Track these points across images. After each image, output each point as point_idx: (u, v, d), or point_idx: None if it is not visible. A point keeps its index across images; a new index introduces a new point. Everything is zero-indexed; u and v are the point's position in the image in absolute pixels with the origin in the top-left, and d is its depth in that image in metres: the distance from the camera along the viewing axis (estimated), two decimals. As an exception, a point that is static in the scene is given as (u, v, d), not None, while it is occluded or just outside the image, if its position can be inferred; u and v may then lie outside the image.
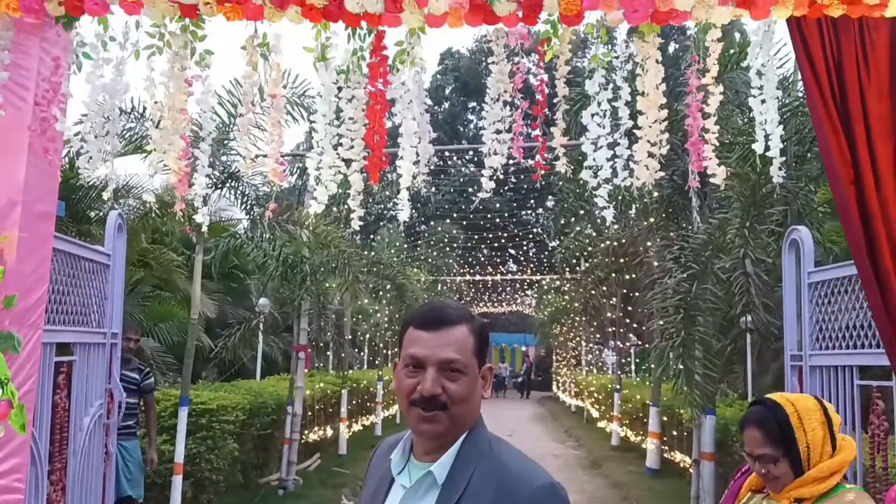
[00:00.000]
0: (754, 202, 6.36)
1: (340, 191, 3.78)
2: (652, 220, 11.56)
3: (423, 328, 1.71)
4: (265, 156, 3.64)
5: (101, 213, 9.24)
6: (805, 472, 2.42)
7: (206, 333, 12.55)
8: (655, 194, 10.91)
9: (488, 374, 1.77)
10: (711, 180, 3.18)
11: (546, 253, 27.65)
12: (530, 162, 3.86)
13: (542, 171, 3.74)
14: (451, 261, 26.52)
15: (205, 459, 7.21)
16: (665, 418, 11.90)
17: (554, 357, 33.43)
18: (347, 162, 3.49)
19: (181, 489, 6.78)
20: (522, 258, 30.51)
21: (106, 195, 4.32)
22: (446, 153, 31.07)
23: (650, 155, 3.32)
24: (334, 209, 9.80)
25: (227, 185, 8.30)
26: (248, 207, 8.72)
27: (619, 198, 11.93)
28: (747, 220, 6.38)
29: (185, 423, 6.86)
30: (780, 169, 3.27)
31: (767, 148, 3.21)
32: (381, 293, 15.05)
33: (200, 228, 4.56)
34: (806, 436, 2.43)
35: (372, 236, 21.39)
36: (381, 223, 25.37)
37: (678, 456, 11.24)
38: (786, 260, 4.98)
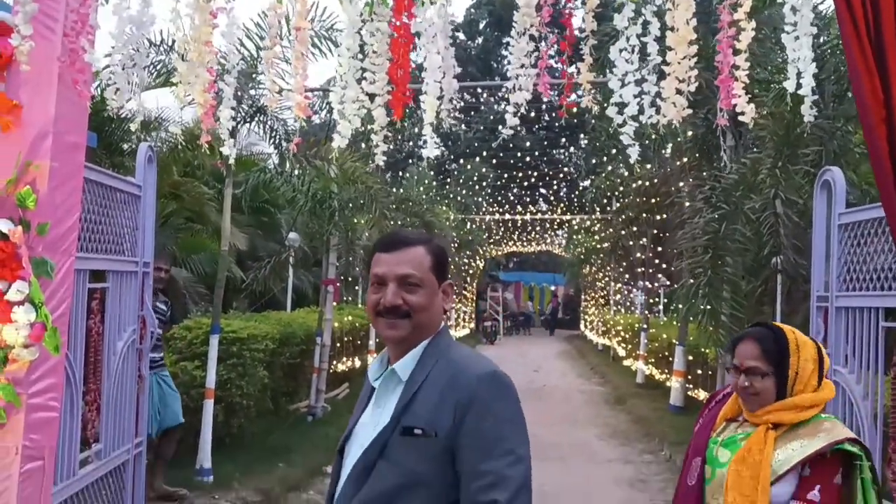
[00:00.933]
0: (788, 142, 6.23)
1: (367, 126, 3.78)
2: (685, 159, 11.41)
3: (384, 250, 1.96)
4: (290, 90, 3.64)
5: (133, 146, 9.34)
6: (787, 398, 2.48)
7: (238, 266, 12.77)
8: (689, 133, 10.75)
9: (449, 289, 2.00)
10: (740, 118, 3.12)
11: (577, 192, 27.46)
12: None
13: (569, 108, 3.70)
14: (480, 199, 26.43)
15: (235, 385, 7.43)
16: (690, 357, 11.95)
17: (582, 296, 33.49)
18: (371, 96, 3.48)
19: (213, 413, 7.02)
20: (553, 197, 30.33)
21: (133, 127, 4.37)
22: (478, 90, 30.66)
23: (678, 92, 3.25)
24: (363, 145, 9.79)
25: (256, 119, 8.31)
26: (277, 142, 8.75)
27: (652, 137, 11.77)
28: (780, 161, 6.26)
29: (216, 351, 7.05)
30: (812, 108, 3.20)
31: (799, 86, 3.14)
32: (409, 230, 15.13)
33: (228, 161, 4.58)
34: (798, 363, 2.50)
35: (401, 174, 21.36)
36: (411, 161, 25.28)
37: (702, 394, 11.32)
38: (817, 201, 4.91)
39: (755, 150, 7.32)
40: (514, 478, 1.73)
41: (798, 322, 10.44)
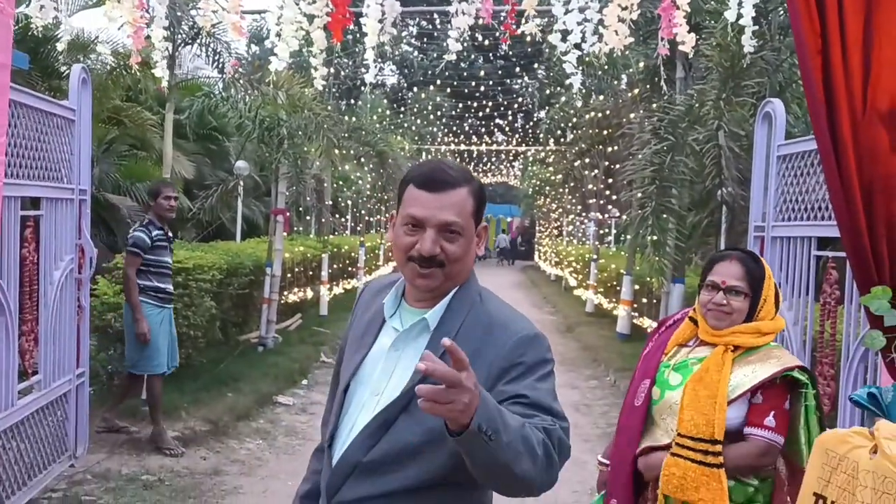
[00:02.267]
0: (732, 74, 6.25)
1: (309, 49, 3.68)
2: (636, 91, 11.41)
3: (425, 188, 1.73)
4: (226, 10, 3.52)
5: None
6: (752, 322, 2.58)
7: (185, 195, 12.52)
8: (641, 65, 10.72)
9: (483, 232, 1.82)
10: (681, 48, 3.13)
11: (532, 123, 27.37)
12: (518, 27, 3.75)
13: (512, 35, 3.66)
14: (436, 129, 26.20)
15: (182, 316, 7.37)
16: (637, 287, 12.21)
17: (537, 228, 33.76)
18: (310, 18, 3.38)
19: (159, 344, 6.96)
20: (509, 129, 30.19)
21: (60, 47, 4.19)
22: (434, 15, 30.01)
23: (621, 20, 3.24)
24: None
25: (198, 41, 8.03)
26: (221, 66, 8.49)
27: (605, 68, 11.71)
28: (724, 93, 6.30)
29: (161, 282, 6.95)
30: (753, 39, 3.21)
31: (740, 16, 3.14)
32: (363, 160, 14.95)
33: (162, 84, 4.43)
34: (768, 291, 2.62)
35: (355, 101, 20.99)
36: (364, 88, 24.84)
37: (647, 322, 11.62)
38: (758, 132, 4.95)
39: (702, 82, 7.34)
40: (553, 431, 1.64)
41: (741, 253, 10.69)
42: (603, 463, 2.87)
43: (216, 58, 8.30)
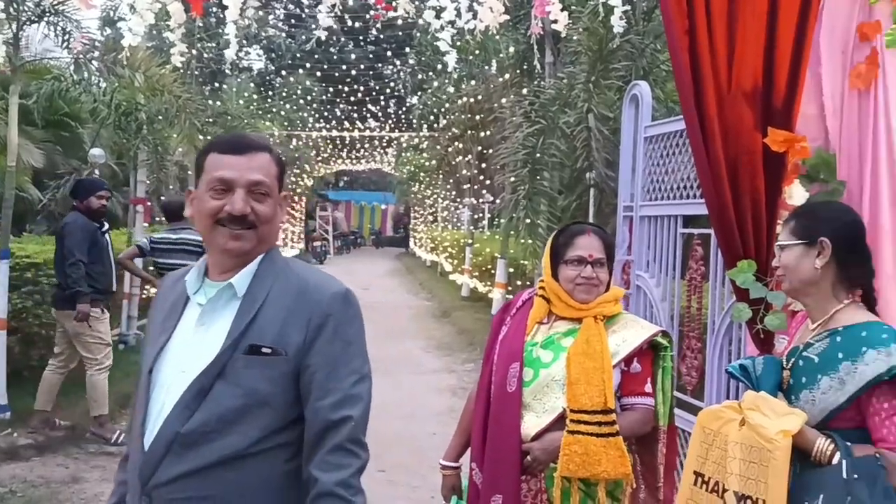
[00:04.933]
0: (601, 57, 6.40)
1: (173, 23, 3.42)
2: (507, 76, 11.54)
3: (231, 152, 1.76)
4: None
5: None
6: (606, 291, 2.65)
7: (36, 185, 11.64)
8: (511, 49, 10.84)
9: (283, 201, 1.85)
10: (553, 27, 3.13)
11: (405, 109, 27.29)
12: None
13: (386, 10, 3.53)
14: (306, 115, 25.62)
15: (32, 314, 6.82)
16: (511, 270, 12.40)
17: (412, 214, 33.79)
18: (165, -12, 3.14)
19: (6, 345, 6.43)
20: (381, 114, 29.96)
21: None
22: (302, -2, 29.34)
23: (493, -5, 3.19)
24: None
25: (45, 19, 7.41)
26: (70, 46, 7.87)
27: (476, 52, 11.76)
28: (592, 76, 6.43)
29: (6, 278, 6.40)
30: (622, 20, 3.24)
31: (606, -3, 3.16)
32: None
33: (3, 66, 4.03)
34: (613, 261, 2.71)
35: (219, 85, 20.19)
36: (229, 72, 23.95)
37: (522, 305, 11.82)
38: (626, 115, 5.06)
39: (572, 66, 7.48)
40: (361, 395, 1.74)
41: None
42: (449, 466, 2.80)
43: (65, 38, 7.68)
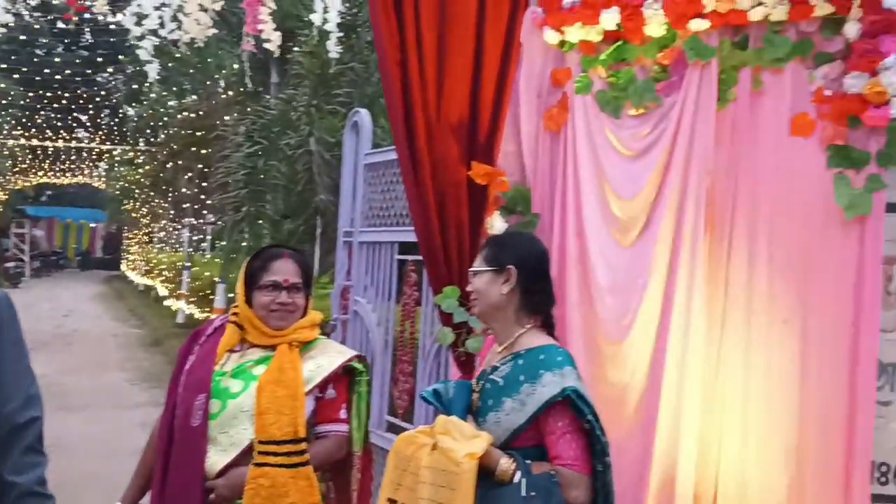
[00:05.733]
0: (324, 81, 6.42)
1: None
2: (230, 93, 11.20)
3: None
4: None
5: None
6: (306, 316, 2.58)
7: None
8: (236, 66, 10.54)
9: None
10: (265, 45, 3.04)
11: (118, 120, 25.39)
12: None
13: (79, 11, 3.21)
14: (1, 121, 22.83)
15: None
16: (231, 295, 11.95)
17: (125, 234, 31.44)
18: None
19: None
20: (91, 125, 27.58)
21: None
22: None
23: (202, 9, 3.03)
24: None
25: None
26: None
27: (198, 65, 11.29)
28: (315, 99, 6.43)
29: None
30: (338, 45, 3.25)
31: (325, 21, 3.15)
32: None
33: None
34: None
35: None
36: None
37: (242, 332, 11.43)
38: (347, 141, 5.11)
39: (295, 88, 7.43)
40: (38, 394, 1.82)
41: (335, 259, 11.15)
42: None
43: None
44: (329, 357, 2.55)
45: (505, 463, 2.01)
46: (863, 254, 2.58)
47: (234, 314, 2.59)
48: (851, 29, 2.56)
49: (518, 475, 1.98)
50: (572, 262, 3.11)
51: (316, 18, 3.14)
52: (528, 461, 2.01)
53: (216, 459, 2.39)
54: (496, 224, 3.18)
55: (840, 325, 2.61)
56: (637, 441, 2.88)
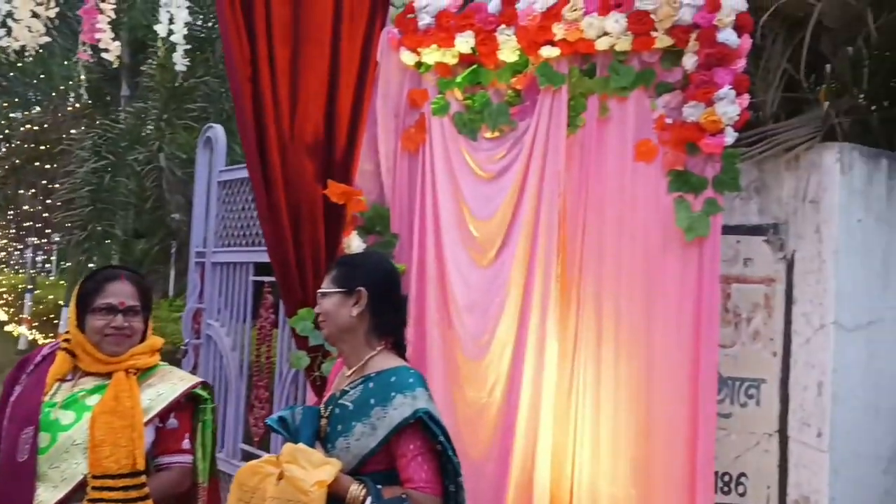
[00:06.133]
0: (174, 95, 6.17)
1: None
2: (77, 105, 10.58)
3: None
4: None
5: None
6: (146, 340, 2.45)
7: None
8: (83, 77, 9.96)
9: None
10: (104, 55, 2.86)
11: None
12: None
13: None
14: None
15: None
16: (78, 319, 11.25)
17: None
18: None
19: None
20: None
21: None
22: None
23: (34, 15, 2.82)
24: None
25: None
26: None
27: (41, 76, 10.61)
28: (165, 113, 6.16)
29: None
30: (186, 58, 3.12)
31: (171, 32, 3.01)
32: None
33: None
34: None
35: None
36: None
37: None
38: (200, 157, 4.92)
39: (145, 102, 7.10)
40: None
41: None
42: None
43: None
44: (170, 384, 2.42)
45: (355, 489, 1.96)
46: (702, 273, 2.71)
47: (66, 340, 2.42)
48: (689, 61, 2.70)
49: (369, 501, 1.94)
50: (431, 281, 3.10)
51: (161, 30, 2.99)
52: (380, 486, 1.97)
53: (46, 497, 2.22)
54: (354, 244, 3.14)
55: (683, 341, 2.73)
56: (495, 458, 2.91)
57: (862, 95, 3.23)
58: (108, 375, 2.36)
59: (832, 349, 2.83)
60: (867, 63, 3.15)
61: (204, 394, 2.46)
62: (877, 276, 3.02)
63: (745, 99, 2.68)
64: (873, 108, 3.32)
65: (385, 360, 2.11)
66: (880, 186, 3.02)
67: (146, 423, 2.32)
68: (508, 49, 2.93)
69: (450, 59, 3.07)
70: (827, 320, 2.84)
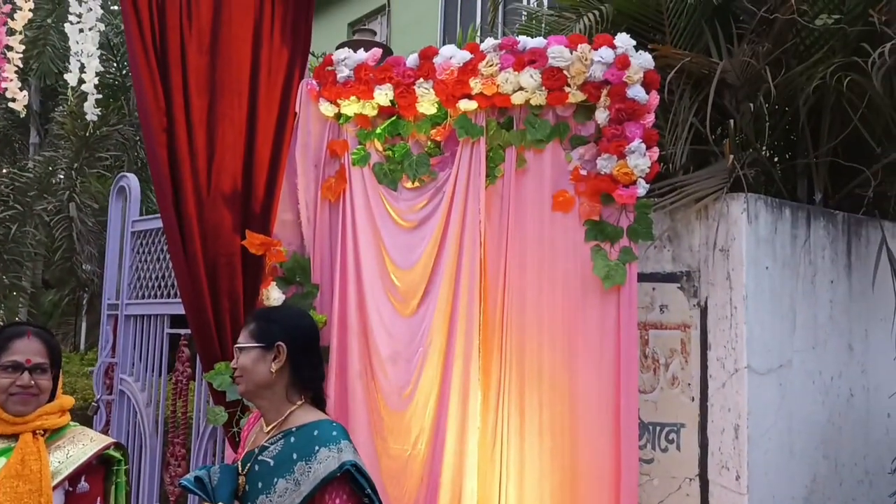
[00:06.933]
0: (87, 143, 5.99)
1: None
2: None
3: None
4: None
5: None
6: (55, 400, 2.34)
7: None
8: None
9: None
10: (11, 105, 2.76)
11: None
12: None
13: None
14: None
15: None
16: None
17: None
18: None
19: None
20: None
21: None
22: None
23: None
24: None
25: None
26: None
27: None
28: (76, 162, 5.98)
29: None
30: (97, 107, 3.05)
31: (82, 81, 2.94)
32: None
33: None
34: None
35: None
36: None
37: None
38: (113, 207, 4.78)
39: (55, 150, 6.88)
40: None
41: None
42: None
43: None
44: (80, 446, 2.32)
45: None
46: (620, 320, 2.77)
47: None
48: (601, 115, 2.80)
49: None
50: (353, 332, 3.07)
51: (71, 79, 2.91)
52: None
53: None
54: (273, 295, 3.08)
55: (604, 387, 2.77)
56: (422, 510, 2.86)
57: (764, 148, 3.39)
58: (15, 437, 2.24)
59: (746, 393, 2.92)
60: (768, 118, 3.31)
61: (117, 455, 2.37)
62: (785, 321, 3.15)
63: (656, 152, 2.78)
64: (776, 160, 3.49)
65: (306, 415, 2.07)
66: (784, 235, 3.17)
67: (55, 487, 2.22)
68: (427, 102, 2.97)
69: (369, 110, 3.09)
70: (740, 364, 2.93)
